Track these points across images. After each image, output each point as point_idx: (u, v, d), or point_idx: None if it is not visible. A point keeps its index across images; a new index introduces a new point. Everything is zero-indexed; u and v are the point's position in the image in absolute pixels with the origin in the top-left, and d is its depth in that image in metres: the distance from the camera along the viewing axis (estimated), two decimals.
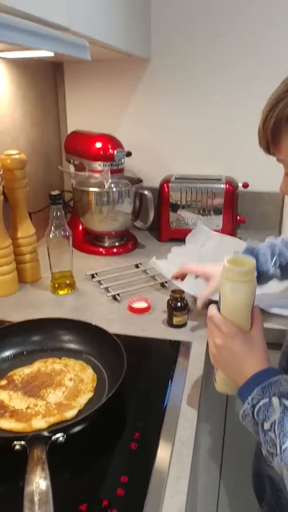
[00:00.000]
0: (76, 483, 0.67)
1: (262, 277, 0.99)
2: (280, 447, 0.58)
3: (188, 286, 1.12)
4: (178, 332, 1.03)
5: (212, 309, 0.72)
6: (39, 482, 0.60)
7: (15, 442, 0.65)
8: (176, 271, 1.12)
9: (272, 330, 1.03)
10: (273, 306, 1.09)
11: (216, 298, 0.75)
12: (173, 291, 1.05)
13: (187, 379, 0.88)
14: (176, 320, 1.04)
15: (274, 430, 0.59)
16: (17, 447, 0.65)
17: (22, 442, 0.65)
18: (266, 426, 0.60)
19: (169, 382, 0.86)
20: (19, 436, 0.65)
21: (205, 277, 1.05)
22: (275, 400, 0.61)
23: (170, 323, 1.05)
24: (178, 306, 1.04)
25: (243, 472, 1.01)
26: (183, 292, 1.05)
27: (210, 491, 1.28)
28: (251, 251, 0.99)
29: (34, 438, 0.65)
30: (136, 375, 0.88)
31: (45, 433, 0.66)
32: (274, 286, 1.10)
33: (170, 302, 1.05)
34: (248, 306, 0.69)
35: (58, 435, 0.66)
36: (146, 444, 0.73)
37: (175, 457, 0.71)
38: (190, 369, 0.91)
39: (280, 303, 1.10)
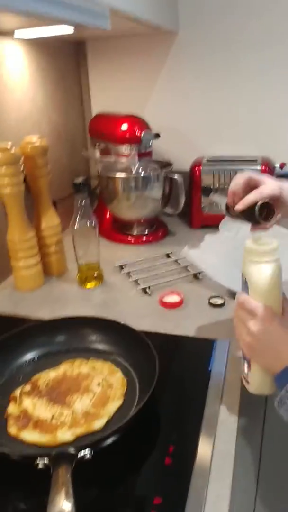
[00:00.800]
0: (104, 505, 0.61)
1: None
2: None
3: (225, 279, 1.04)
4: (214, 330, 0.96)
5: (241, 296, 0.67)
6: (63, 504, 0.54)
7: (38, 460, 0.59)
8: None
9: None
10: None
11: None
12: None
13: (225, 382, 0.81)
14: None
15: None
16: (40, 466, 0.59)
17: (46, 461, 0.59)
18: None
19: (206, 387, 0.80)
20: (42, 453, 0.60)
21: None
22: None
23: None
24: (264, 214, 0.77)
25: (282, 481, 0.94)
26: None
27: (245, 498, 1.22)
28: None
29: (58, 456, 0.60)
30: (169, 378, 0.81)
31: (71, 450, 0.60)
32: None
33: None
34: (279, 287, 0.66)
35: (85, 451, 0.61)
36: (181, 459, 0.66)
37: (214, 474, 0.64)
38: (229, 371, 0.84)
39: None
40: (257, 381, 0.71)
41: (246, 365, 0.72)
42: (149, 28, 1.24)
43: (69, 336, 0.89)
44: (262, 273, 0.65)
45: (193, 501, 0.60)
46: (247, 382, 0.72)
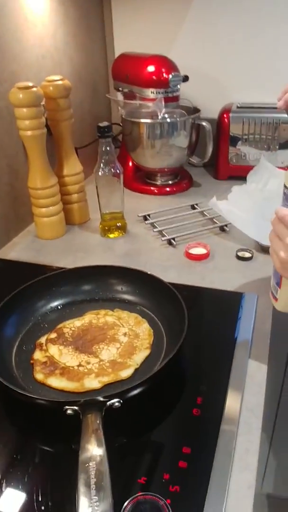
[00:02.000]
0: (133, 452, 0.61)
1: None
2: None
3: (253, 231, 1.02)
4: (242, 284, 0.94)
5: (282, 210, 0.64)
6: (94, 451, 0.55)
7: (67, 407, 0.60)
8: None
9: None
10: None
11: None
12: None
13: (254, 335, 0.80)
14: None
15: None
16: (70, 411, 0.60)
17: (75, 407, 0.59)
18: None
19: (234, 340, 0.79)
20: (71, 401, 0.60)
21: None
22: None
23: None
24: None
25: None
26: None
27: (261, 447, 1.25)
28: None
29: (87, 404, 0.60)
30: (196, 329, 0.80)
31: (100, 398, 0.61)
32: None
33: None
34: None
35: (114, 400, 0.61)
36: (209, 410, 0.66)
37: (243, 427, 0.64)
38: (257, 325, 0.83)
39: None
40: (285, 298, 0.69)
41: (275, 283, 0.71)
42: None
43: (94, 285, 0.88)
44: None
45: (222, 453, 0.60)
46: (276, 299, 0.71)
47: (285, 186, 0.66)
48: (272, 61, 1.45)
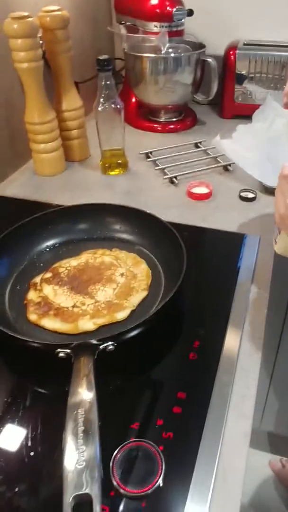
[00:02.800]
0: (126, 397, 0.55)
1: None
2: None
3: (257, 172, 0.92)
4: (244, 225, 0.85)
5: None
6: (84, 395, 0.48)
7: (59, 350, 0.53)
8: None
9: None
10: None
11: None
12: None
13: (255, 277, 0.73)
14: None
15: None
16: (62, 354, 0.53)
17: (67, 350, 0.53)
18: None
19: (234, 283, 0.71)
20: (62, 343, 0.53)
21: None
22: None
23: None
24: None
25: None
26: None
27: (260, 390, 1.21)
28: None
29: (80, 347, 0.53)
30: (196, 272, 0.72)
31: (93, 341, 0.54)
32: None
33: None
34: None
35: (108, 343, 0.54)
36: (206, 355, 0.60)
37: (240, 373, 0.58)
38: (259, 267, 0.75)
39: None
40: (283, 245, 0.65)
41: (277, 229, 0.67)
42: None
43: (91, 224, 0.80)
44: None
45: (217, 399, 0.54)
46: (275, 242, 0.68)
47: None
48: None
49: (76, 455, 0.43)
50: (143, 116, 1.31)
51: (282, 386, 1.19)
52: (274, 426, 1.36)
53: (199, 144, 1.14)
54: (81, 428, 0.45)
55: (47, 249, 0.77)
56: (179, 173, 1.00)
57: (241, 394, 0.56)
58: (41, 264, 0.73)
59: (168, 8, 1.14)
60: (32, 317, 0.63)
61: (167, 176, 0.99)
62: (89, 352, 0.53)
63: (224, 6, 1.34)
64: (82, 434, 0.45)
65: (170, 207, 0.90)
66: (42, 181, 1.02)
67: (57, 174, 1.04)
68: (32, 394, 0.56)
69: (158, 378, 0.58)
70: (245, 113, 1.23)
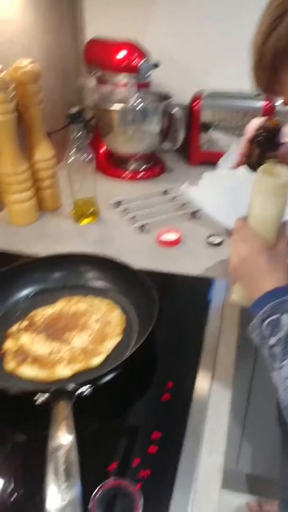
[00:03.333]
0: (104, 439, 0.61)
1: None
2: (280, 362, 0.58)
3: (223, 217, 1.01)
4: (212, 269, 0.93)
5: (240, 221, 0.70)
6: (63, 439, 0.54)
7: (38, 396, 0.58)
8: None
9: None
10: None
11: None
12: (267, 121, 0.83)
13: (223, 320, 0.80)
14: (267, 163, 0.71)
15: (279, 346, 0.59)
16: (39, 401, 0.58)
17: (45, 397, 0.58)
18: (272, 341, 0.60)
19: (204, 325, 0.79)
20: (41, 389, 0.59)
21: None
22: (285, 317, 0.60)
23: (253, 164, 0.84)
24: (272, 143, 0.81)
25: (269, 418, 0.96)
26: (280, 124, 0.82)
27: (234, 432, 1.26)
28: None
29: (58, 391, 0.59)
30: (167, 315, 0.80)
31: (71, 386, 0.60)
32: None
33: (259, 138, 0.82)
34: (278, 221, 0.67)
35: (85, 387, 0.60)
36: (179, 395, 0.66)
37: (211, 411, 0.65)
38: (227, 309, 0.83)
39: None
40: (239, 294, 0.74)
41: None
42: None
43: (66, 273, 0.87)
44: (265, 203, 0.66)
45: (191, 436, 0.60)
46: (232, 292, 0.76)
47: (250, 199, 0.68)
48: (242, 49, 1.43)
49: (58, 496, 0.48)
50: (113, 165, 1.41)
51: (256, 426, 1.24)
52: (251, 467, 1.40)
53: (167, 191, 1.24)
54: (62, 470, 0.50)
55: (23, 298, 0.83)
56: (148, 220, 1.08)
57: (213, 431, 0.62)
58: (18, 313, 0.79)
59: (135, 61, 1.26)
60: (10, 365, 0.69)
61: (137, 224, 1.07)
62: (67, 397, 0.59)
63: (189, 58, 1.49)
64: (63, 476, 0.50)
65: (141, 254, 0.98)
66: (15, 231, 1.09)
67: (30, 224, 1.11)
68: (11, 443, 0.61)
69: (134, 419, 0.64)
70: (211, 160, 1.35)
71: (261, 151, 0.84)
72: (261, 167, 0.65)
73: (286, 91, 0.58)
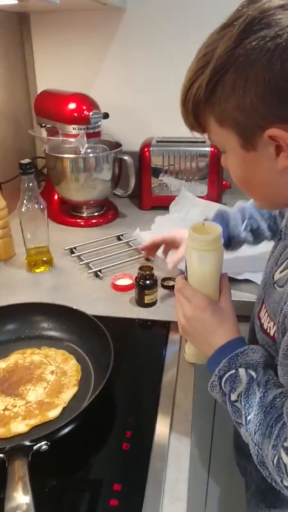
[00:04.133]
0: (63, 495, 0.59)
1: (233, 241, 0.96)
2: (246, 418, 0.58)
3: (171, 255, 1.04)
4: (168, 313, 0.95)
5: (180, 280, 0.70)
6: (20, 499, 0.52)
7: None
8: (144, 243, 1.08)
9: (239, 302, 0.95)
10: (244, 271, 1.02)
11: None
12: (141, 268, 0.96)
13: (180, 364, 0.81)
14: (147, 299, 0.95)
15: (240, 401, 0.59)
16: None
17: (0, 455, 0.57)
18: (233, 397, 0.60)
19: (161, 370, 0.79)
20: None
21: (173, 242, 1.03)
22: (241, 371, 0.60)
23: (140, 302, 0.96)
24: (148, 284, 0.95)
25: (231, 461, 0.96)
26: (152, 268, 0.96)
27: (199, 479, 1.24)
28: (222, 216, 0.95)
29: (13, 450, 0.57)
30: (124, 362, 0.80)
31: (26, 443, 0.58)
32: (245, 251, 1.02)
33: (138, 280, 0.96)
34: (216, 275, 0.68)
35: (41, 443, 0.59)
36: (138, 444, 0.66)
37: (172, 457, 0.64)
38: (183, 353, 0.83)
39: (252, 268, 1.02)
40: (192, 352, 0.75)
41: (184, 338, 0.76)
42: (96, 2, 1.18)
43: (19, 324, 0.86)
44: (201, 260, 0.66)
45: (152, 486, 0.60)
46: (184, 351, 0.77)
47: (185, 259, 0.70)
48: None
49: None
50: (66, 212, 1.42)
51: (220, 469, 1.23)
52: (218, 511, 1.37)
53: (121, 237, 1.26)
54: None
55: None
56: (103, 267, 1.09)
57: (174, 478, 0.61)
58: None
59: (85, 112, 1.30)
60: None
61: (92, 270, 1.08)
62: (22, 454, 0.57)
63: (137, 107, 1.56)
64: None
65: (96, 301, 0.98)
66: None
67: None
68: None
69: (94, 472, 0.63)
70: (163, 204, 1.39)
71: (140, 289, 0.96)
72: (191, 226, 0.67)
73: (208, 133, 0.61)
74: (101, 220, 1.40)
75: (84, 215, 1.41)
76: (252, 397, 0.59)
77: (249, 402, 0.59)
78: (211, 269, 0.67)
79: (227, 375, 0.61)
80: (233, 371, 0.60)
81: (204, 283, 0.68)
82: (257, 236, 0.97)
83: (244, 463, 0.83)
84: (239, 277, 1.00)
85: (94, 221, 1.40)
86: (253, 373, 0.60)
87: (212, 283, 0.68)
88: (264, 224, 0.96)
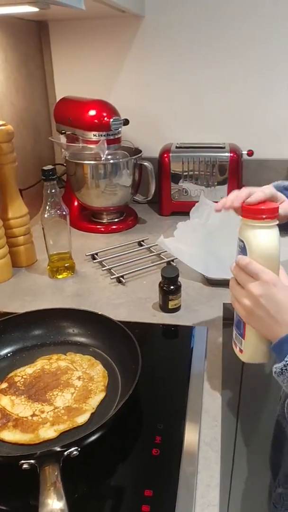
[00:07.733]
0: (95, 500, 0.59)
1: None
2: None
3: (199, 266, 1.04)
4: (192, 317, 0.95)
5: (244, 257, 0.65)
6: (54, 505, 0.52)
7: (23, 461, 0.57)
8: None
9: None
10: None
11: None
12: (164, 271, 0.95)
13: (207, 368, 0.81)
14: (171, 304, 0.95)
15: None
16: (26, 466, 0.57)
17: (31, 461, 0.57)
18: None
19: (188, 374, 0.79)
20: (26, 454, 0.57)
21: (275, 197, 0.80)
22: None
23: (164, 307, 0.96)
24: (172, 289, 0.94)
25: (257, 456, 0.95)
26: (177, 273, 0.95)
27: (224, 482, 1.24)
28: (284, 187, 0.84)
29: (44, 456, 0.57)
30: (150, 367, 0.80)
31: (57, 448, 0.58)
32: None
33: (162, 285, 0.95)
34: (279, 252, 0.65)
35: (72, 449, 0.59)
36: (168, 449, 0.65)
37: (202, 463, 0.64)
38: (209, 357, 0.83)
39: None
40: (251, 349, 0.69)
41: (239, 334, 0.71)
42: (114, 10, 1.20)
43: (44, 329, 0.86)
44: (265, 237, 0.65)
45: (184, 492, 0.59)
46: (240, 351, 0.71)
47: (239, 239, 0.68)
48: (205, 103, 1.52)
49: None
50: (86, 218, 1.43)
51: (244, 471, 1.22)
52: None
53: (142, 242, 1.26)
54: None
55: (1, 359, 0.82)
56: (125, 272, 1.10)
57: (205, 483, 0.61)
58: None
59: (105, 118, 1.31)
60: None
61: (114, 276, 1.08)
62: (53, 460, 0.57)
63: (157, 114, 1.57)
64: None
65: (119, 306, 0.99)
66: None
67: (4, 281, 1.11)
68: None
69: (124, 477, 0.62)
70: (182, 210, 1.39)
71: (165, 294, 0.95)
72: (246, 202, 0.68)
73: None
74: (121, 226, 1.41)
75: (104, 221, 1.42)
76: None
77: None
78: (274, 245, 0.65)
79: None
80: None
81: (270, 260, 0.65)
82: None
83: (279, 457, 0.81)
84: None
85: (114, 227, 1.40)
86: None
87: (276, 260, 0.65)
88: None
